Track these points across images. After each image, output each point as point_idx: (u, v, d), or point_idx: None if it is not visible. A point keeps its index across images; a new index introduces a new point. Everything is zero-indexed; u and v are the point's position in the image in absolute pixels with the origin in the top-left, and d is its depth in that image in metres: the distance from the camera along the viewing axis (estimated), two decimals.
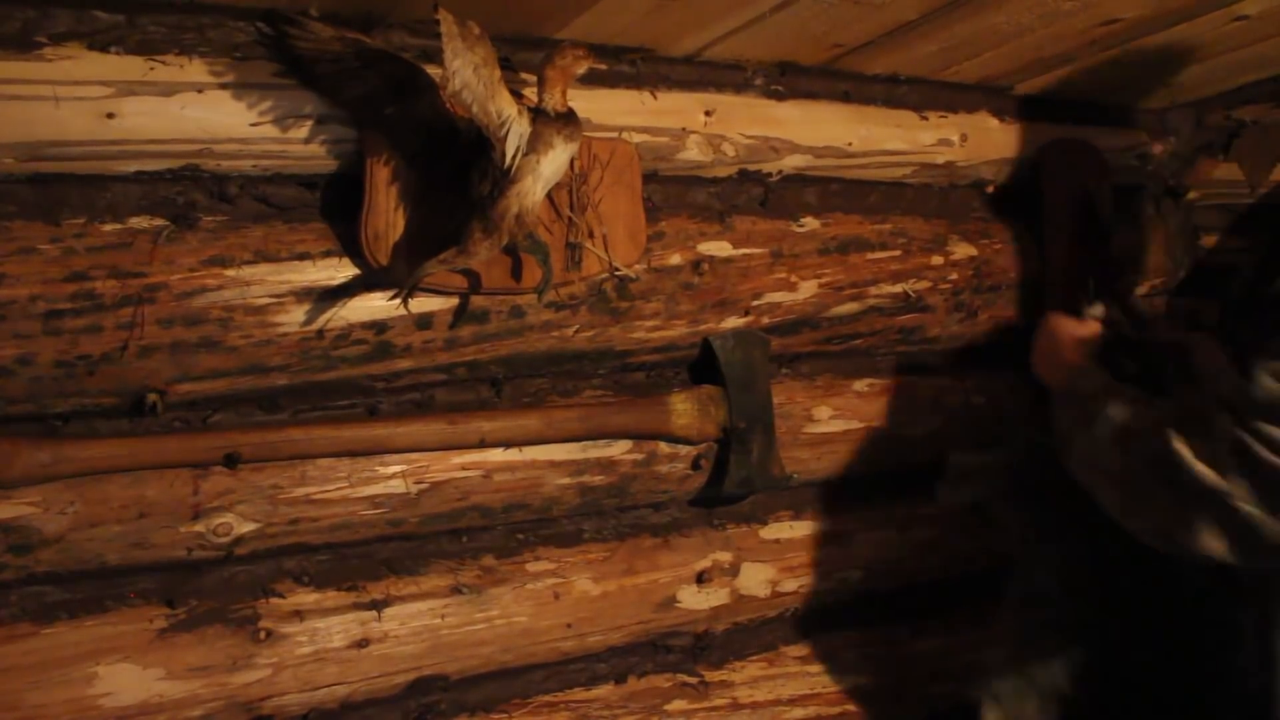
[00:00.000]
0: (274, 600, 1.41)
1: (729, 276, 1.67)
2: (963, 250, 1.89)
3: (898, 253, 1.83)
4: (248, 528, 1.38)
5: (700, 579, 1.71)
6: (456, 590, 1.52)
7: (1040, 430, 1.57)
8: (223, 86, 1.26)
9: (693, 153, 1.60)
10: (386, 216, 1.36)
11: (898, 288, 1.82)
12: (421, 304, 1.42)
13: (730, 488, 1.66)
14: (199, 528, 1.35)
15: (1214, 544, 1.22)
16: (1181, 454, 1.23)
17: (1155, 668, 1.62)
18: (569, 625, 1.60)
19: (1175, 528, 1.25)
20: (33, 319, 1.22)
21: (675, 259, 1.62)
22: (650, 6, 1.37)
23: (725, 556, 1.74)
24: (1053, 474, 1.51)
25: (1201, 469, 1.20)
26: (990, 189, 1.94)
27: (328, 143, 1.34)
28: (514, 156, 1.28)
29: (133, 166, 1.26)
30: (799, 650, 1.83)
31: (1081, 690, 1.62)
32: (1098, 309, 1.63)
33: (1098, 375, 1.46)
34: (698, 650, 1.73)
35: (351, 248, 1.37)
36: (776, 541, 1.79)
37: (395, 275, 1.35)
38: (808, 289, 1.75)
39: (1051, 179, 1.93)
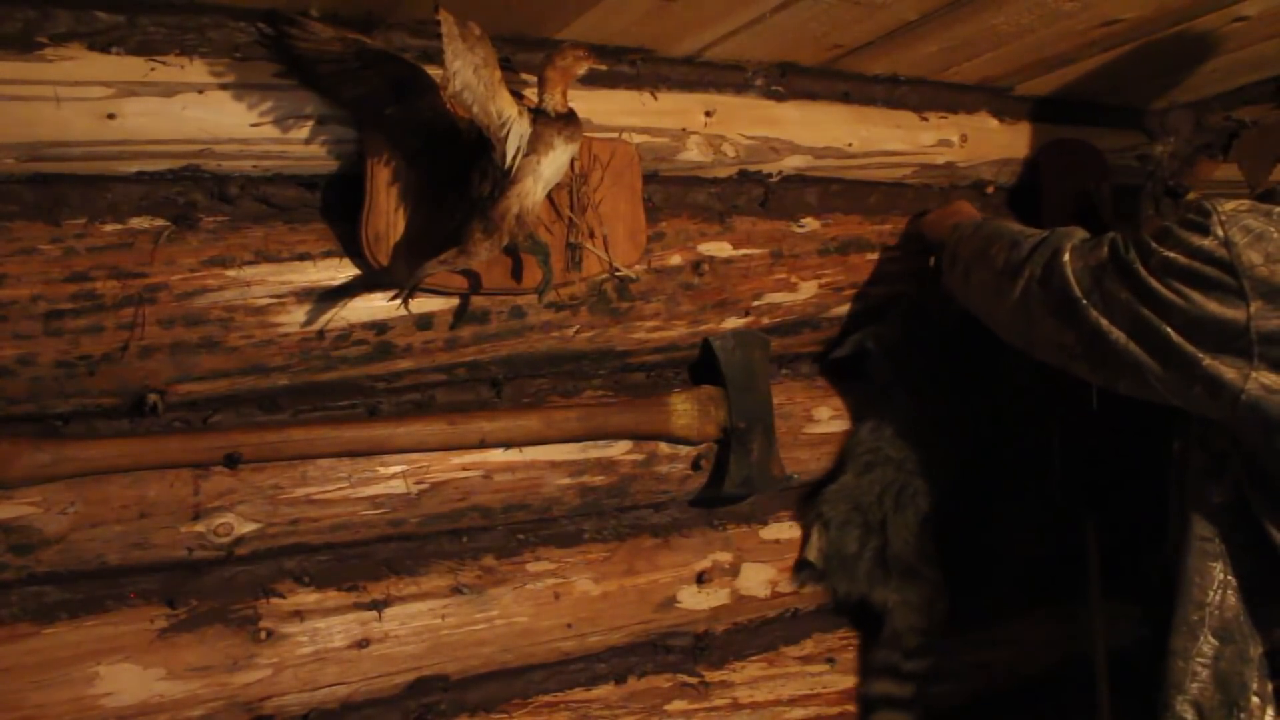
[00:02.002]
0: (274, 600, 1.41)
1: (729, 277, 1.67)
2: None
3: (898, 253, 1.83)
4: (248, 528, 1.38)
5: (700, 579, 1.71)
6: (457, 590, 1.53)
7: (910, 306, 1.80)
8: (223, 87, 1.26)
9: (693, 153, 1.60)
10: (387, 217, 1.36)
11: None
12: (422, 304, 1.42)
13: (730, 488, 1.66)
14: (199, 528, 1.35)
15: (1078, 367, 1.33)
16: (1063, 253, 1.32)
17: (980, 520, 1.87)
18: (569, 625, 1.60)
19: (1039, 335, 1.36)
20: (33, 319, 1.23)
21: (675, 259, 1.62)
22: (650, 7, 1.37)
23: (725, 557, 1.74)
24: (916, 341, 1.77)
25: (1066, 267, 1.30)
26: (990, 189, 1.94)
27: (328, 143, 1.34)
28: (514, 157, 1.28)
29: (134, 167, 1.26)
30: (799, 650, 1.83)
31: (903, 524, 1.77)
32: None
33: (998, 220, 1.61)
34: (698, 650, 1.73)
35: (352, 248, 1.38)
36: (776, 542, 1.79)
37: (396, 276, 1.35)
38: (808, 289, 1.75)
39: (1051, 179, 1.93)
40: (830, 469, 1.83)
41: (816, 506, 1.79)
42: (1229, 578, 1.28)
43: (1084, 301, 1.27)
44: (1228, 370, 1.15)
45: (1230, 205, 1.17)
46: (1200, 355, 1.17)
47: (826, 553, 1.78)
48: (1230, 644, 1.27)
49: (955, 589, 1.83)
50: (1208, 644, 1.28)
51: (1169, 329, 1.18)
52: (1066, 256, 1.31)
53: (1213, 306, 1.15)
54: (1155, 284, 1.19)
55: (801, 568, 1.80)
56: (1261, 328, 1.13)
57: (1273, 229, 1.13)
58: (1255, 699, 1.25)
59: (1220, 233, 1.14)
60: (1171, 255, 1.18)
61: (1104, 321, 1.25)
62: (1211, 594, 1.29)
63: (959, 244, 1.58)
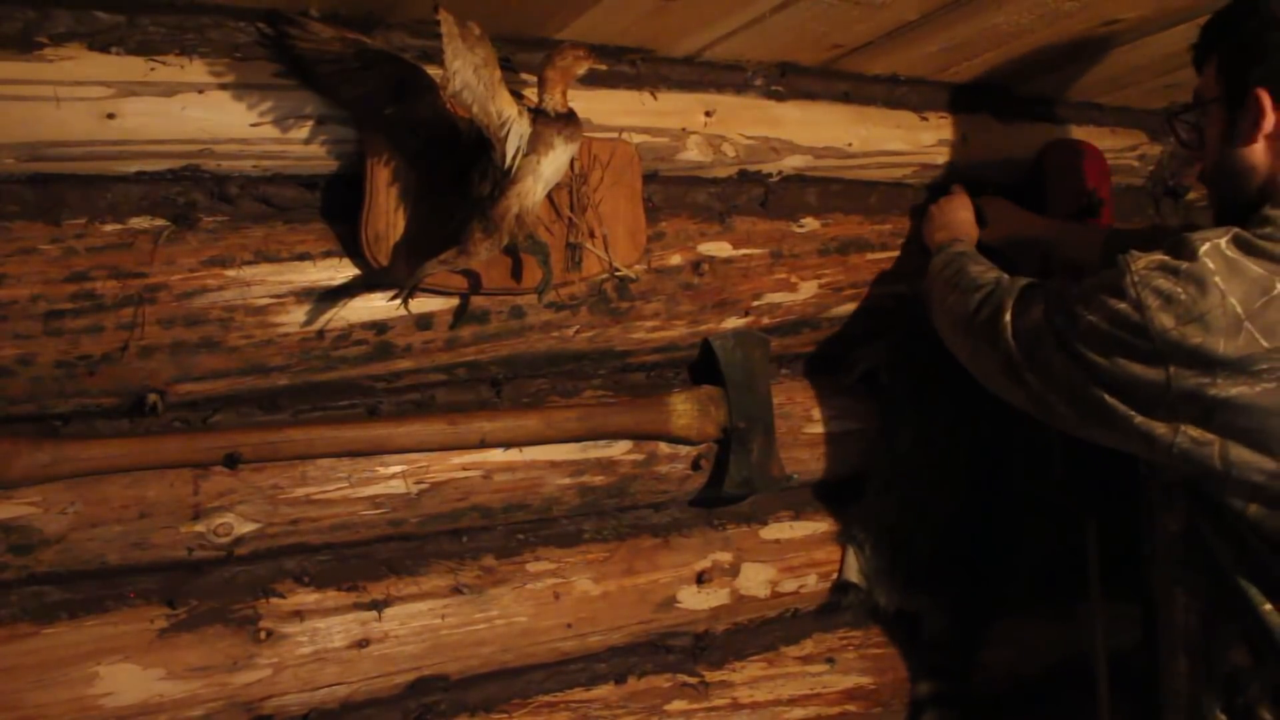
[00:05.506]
0: (274, 600, 1.41)
1: (729, 277, 1.67)
2: None
3: (898, 253, 1.83)
4: (248, 528, 1.38)
5: (700, 579, 1.71)
6: (457, 590, 1.53)
7: (911, 320, 1.79)
8: (223, 87, 1.26)
9: (693, 153, 1.60)
10: (387, 217, 1.36)
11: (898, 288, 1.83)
12: (422, 304, 1.42)
13: (730, 488, 1.66)
14: (199, 528, 1.35)
15: (1021, 402, 1.38)
16: (1004, 313, 1.36)
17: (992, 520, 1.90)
18: (569, 625, 1.60)
19: (996, 378, 1.40)
20: (33, 319, 1.23)
21: (675, 259, 1.62)
22: (651, 7, 1.37)
23: (725, 557, 1.74)
24: (919, 353, 1.78)
25: (1007, 330, 1.34)
26: (991, 190, 1.94)
27: (328, 143, 1.34)
28: (514, 157, 1.28)
29: (133, 167, 1.26)
30: (799, 650, 1.83)
31: (926, 536, 1.83)
32: None
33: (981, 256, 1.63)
34: (698, 650, 1.73)
35: (352, 248, 1.38)
36: (776, 542, 1.79)
37: (396, 276, 1.35)
38: (808, 289, 1.75)
39: (1053, 179, 1.93)
40: (831, 469, 1.83)
41: (847, 529, 1.84)
42: (1190, 601, 1.32)
43: (1025, 364, 1.32)
44: (1159, 426, 1.20)
45: (1142, 263, 1.20)
46: (1132, 414, 1.21)
47: (865, 571, 1.83)
48: (1198, 663, 1.31)
49: (977, 590, 1.89)
50: (1181, 663, 1.33)
51: (1101, 391, 1.23)
52: (1007, 317, 1.35)
53: (1136, 369, 1.19)
54: (1083, 350, 1.23)
55: (845, 589, 1.84)
56: (1180, 387, 1.16)
57: (1180, 290, 1.15)
58: (1222, 716, 1.29)
59: (1133, 294, 1.18)
60: (1094, 320, 1.22)
61: (1043, 385, 1.30)
62: (1178, 615, 1.33)
63: (931, 280, 1.62)
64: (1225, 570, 1.25)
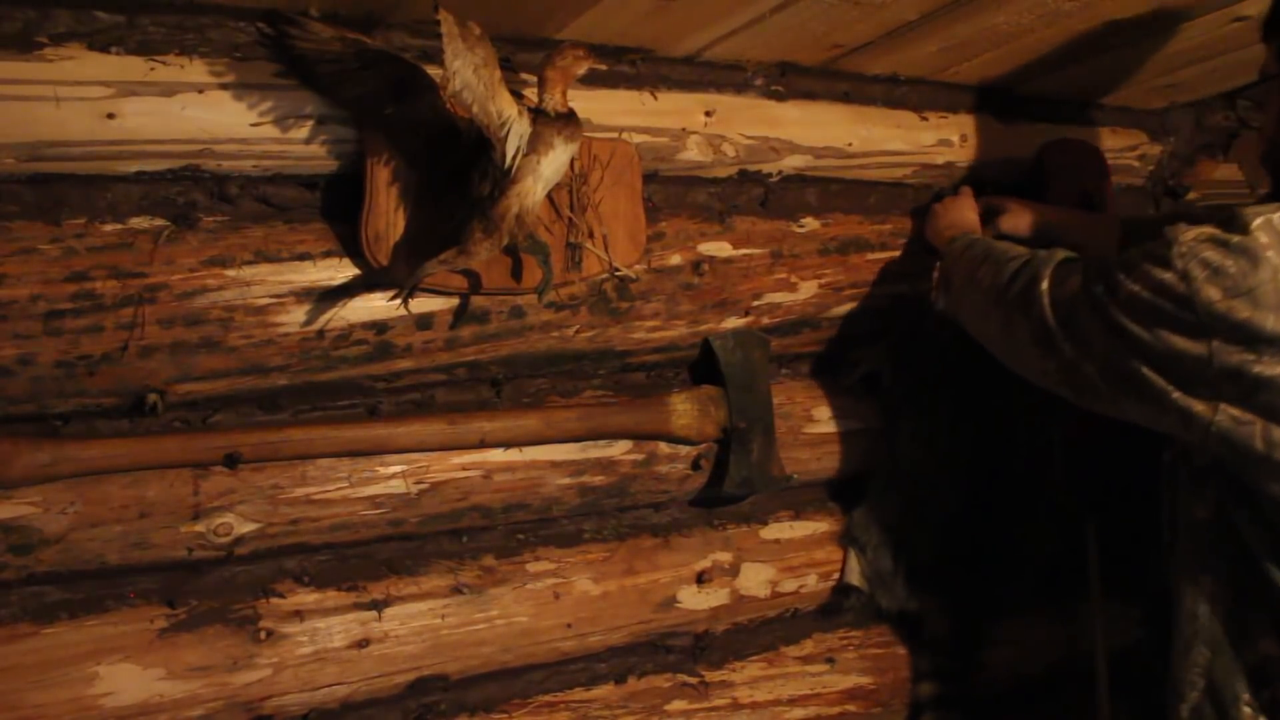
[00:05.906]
0: (274, 600, 1.41)
1: (729, 277, 1.67)
2: None
3: (898, 253, 1.83)
4: (248, 528, 1.38)
5: (700, 579, 1.71)
6: (457, 590, 1.53)
7: (912, 321, 1.83)
8: (223, 87, 1.26)
9: (693, 153, 1.60)
10: (387, 217, 1.36)
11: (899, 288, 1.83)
12: (422, 304, 1.42)
13: (730, 488, 1.66)
14: (199, 528, 1.35)
15: (1057, 387, 1.34)
16: (1041, 281, 1.32)
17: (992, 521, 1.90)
18: (569, 625, 1.60)
19: (1024, 360, 1.37)
20: (33, 319, 1.23)
21: (675, 259, 1.62)
22: (650, 7, 1.37)
23: (725, 557, 1.74)
24: (920, 354, 1.82)
25: (1044, 297, 1.30)
26: (990, 190, 1.94)
27: (328, 143, 1.34)
28: (514, 157, 1.28)
29: (133, 167, 1.26)
30: (799, 650, 1.83)
31: (927, 537, 1.83)
32: None
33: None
34: (698, 650, 1.73)
35: (352, 248, 1.38)
36: (776, 542, 1.79)
37: (395, 276, 1.35)
38: (808, 289, 1.75)
39: (1052, 179, 1.93)
40: (831, 469, 1.84)
41: (849, 532, 1.84)
42: (1216, 590, 1.29)
43: (1060, 333, 1.28)
44: (1197, 403, 1.16)
45: (1191, 234, 1.16)
46: (1170, 389, 1.17)
47: (867, 574, 1.83)
48: (1221, 654, 1.28)
49: (977, 591, 1.90)
50: (1200, 654, 1.30)
51: (1138, 363, 1.19)
52: (1045, 285, 1.32)
53: (1177, 342, 1.15)
54: (1123, 319, 1.19)
55: (846, 592, 1.84)
56: (1223, 363, 1.12)
57: (1230, 263, 1.12)
58: (1247, 709, 1.26)
59: (1180, 265, 1.14)
60: (1136, 289, 1.18)
61: (1078, 353, 1.26)
62: (1201, 605, 1.30)
63: (951, 265, 1.59)
64: (1256, 558, 1.22)
